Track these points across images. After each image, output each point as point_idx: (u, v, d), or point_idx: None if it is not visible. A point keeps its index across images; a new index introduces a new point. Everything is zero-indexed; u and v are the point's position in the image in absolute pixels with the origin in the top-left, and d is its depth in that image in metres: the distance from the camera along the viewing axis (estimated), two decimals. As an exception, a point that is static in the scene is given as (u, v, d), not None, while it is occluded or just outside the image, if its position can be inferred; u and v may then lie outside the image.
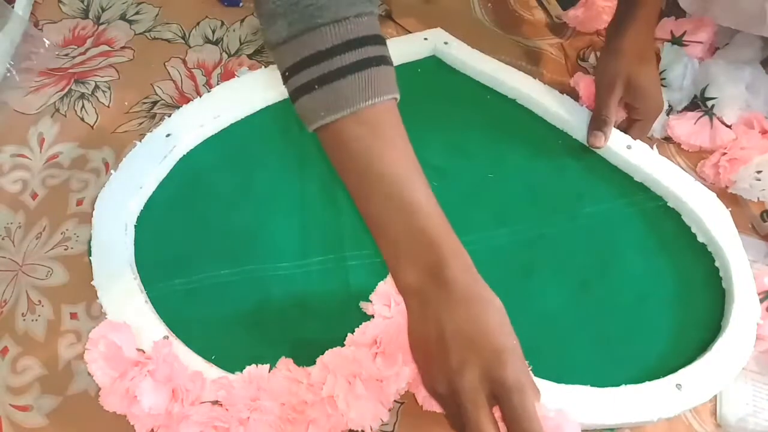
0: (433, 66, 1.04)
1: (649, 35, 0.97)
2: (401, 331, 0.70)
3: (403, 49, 1.03)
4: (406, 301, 0.69)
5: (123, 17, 1.08)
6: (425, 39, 1.04)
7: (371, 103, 0.66)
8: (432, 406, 0.72)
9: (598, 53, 1.06)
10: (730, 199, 0.93)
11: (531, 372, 0.63)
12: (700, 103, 1.00)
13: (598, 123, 0.94)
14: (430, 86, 1.00)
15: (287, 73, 0.67)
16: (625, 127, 0.96)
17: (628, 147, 0.93)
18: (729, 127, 0.98)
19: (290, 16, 0.64)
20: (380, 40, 0.68)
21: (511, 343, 0.63)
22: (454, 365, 0.61)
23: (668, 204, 0.91)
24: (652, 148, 0.93)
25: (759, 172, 0.91)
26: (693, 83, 1.02)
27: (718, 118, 0.98)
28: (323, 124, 0.66)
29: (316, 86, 0.65)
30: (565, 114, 0.96)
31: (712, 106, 0.99)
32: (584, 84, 1.00)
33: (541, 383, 0.72)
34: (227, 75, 1.02)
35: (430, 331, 0.65)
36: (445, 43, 1.03)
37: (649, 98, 0.93)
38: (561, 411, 0.71)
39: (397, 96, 0.69)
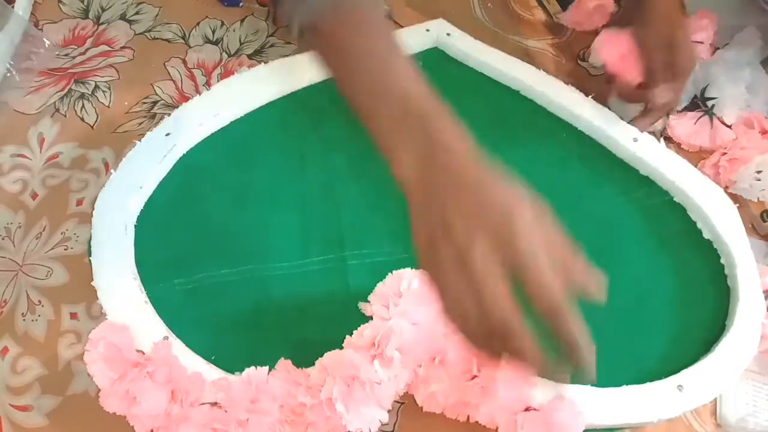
0: (436, 57, 1.04)
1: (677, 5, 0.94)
2: (398, 332, 0.70)
3: (405, 40, 1.02)
4: (405, 194, 0.61)
5: (123, 17, 1.08)
6: (427, 30, 1.04)
7: (356, 3, 0.64)
8: (432, 407, 0.73)
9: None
10: (730, 199, 0.93)
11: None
12: (700, 103, 1.00)
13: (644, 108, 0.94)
14: (433, 78, 0.99)
15: None
16: (654, 92, 0.92)
17: (635, 140, 0.92)
18: (729, 127, 0.98)
19: None
20: None
21: (520, 207, 0.56)
22: (461, 239, 0.55)
23: (674, 199, 0.90)
24: (658, 141, 0.93)
25: (759, 172, 0.91)
26: (693, 83, 1.01)
27: (718, 118, 0.98)
28: (313, 19, 0.64)
29: None
30: (570, 105, 0.96)
31: (712, 106, 0.99)
32: (608, 44, 0.97)
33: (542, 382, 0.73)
34: (227, 75, 1.02)
35: (432, 219, 0.58)
36: (448, 34, 1.03)
37: (685, 51, 0.91)
38: (569, 401, 0.71)
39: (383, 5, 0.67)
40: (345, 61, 0.64)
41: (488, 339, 0.55)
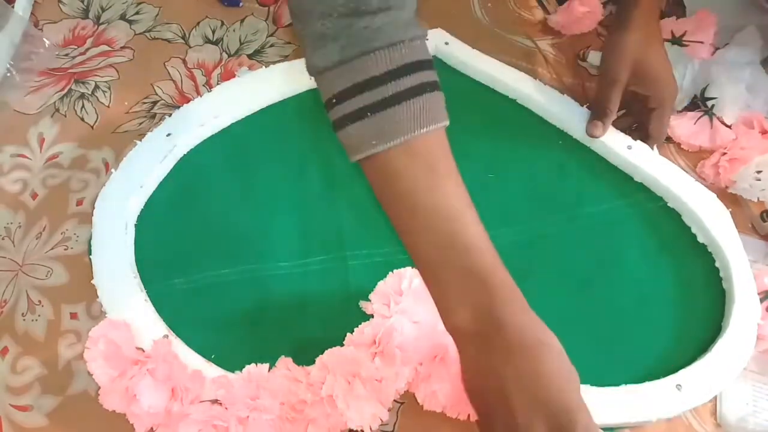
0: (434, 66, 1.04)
1: (652, 19, 0.95)
2: (399, 330, 0.70)
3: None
4: (457, 344, 0.65)
5: (123, 17, 1.08)
6: (426, 39, 1.04)
7: (425, 131, 0.63)
8: (433, 405, 0.72)
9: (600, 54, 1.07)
10: (730, 199, 0.93)
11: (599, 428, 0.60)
12: (700, 103, 1.00)
13: (597, 113, 0.93)
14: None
15: (335, 100, 0.64)
16: (644, 120, 0.94)
17: (629, 147, 0.93)
18: (729, 127, 0.97)
19: (343, 39, 0.61)
20: (432, 65, 0.66)
21: (578, 400, 0.60)
22: (520, 421, 0.58)
23: (668, 204, 0.91)
24: (652, 148, 0.93)
25: (759, 172, 0.91)
26: (693, 83, 1.01)
27: (718, 118, 0.98)
28: (372, 154, 0.64)
29: (369, 113, 0.62)
30: (565, 114, 0.96)
31: (712, 106, 0.99)
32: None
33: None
34: (227, 75, 1.02)
35: (488, 381, 0.62)
36: (446, 43, 1.03)
37: (659, 82, 0.92)
38: None
39: (447, 123, 0.66)
40: (407, 195, 0.64)
41: None
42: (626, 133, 0.94)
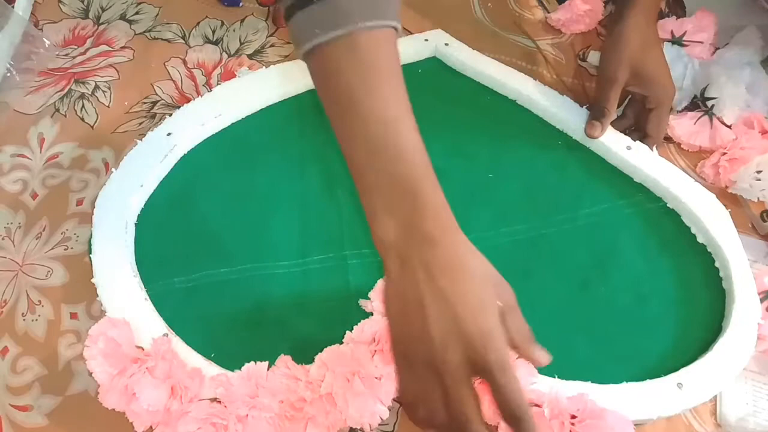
0: (434, 67, 1.04)
1: (650, 20, 0.96)
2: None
3: (404, 50, 1.00)
4: (382, 255, 0.62)
5: (123, 17, 1.08)
6: (426, 40, 1.04)
7: (371, 25, 0.60)
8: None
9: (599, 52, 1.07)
10: (730, 199, 0.93)
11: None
12: (700, 103, 1.00)
13: (596, 113, 0.93)
14: (431, 87, 1.00)
15: None
16: (642, 121, 0.95)
17: (628, 148, 0.93)
18: (729, 127, 0.98)
19: None
20: None
21: (493, 322, 0.59)
22: (436, 342, 0.58)
23: (668, 205, 0.91)
24: (651, 149, 0.93)
25: (759, 172, 0.91)
26: (693, 83, 1.02)
27: (717, 118, 0.98)
28: (314, 45, 0.60)
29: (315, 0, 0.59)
30: (565, 115, 0.96)
31: (712, 106, 0.99)
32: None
33: (544, 380, 0.73)
34: (227, 75, 1.02)
35: (408, 295, 0.60)
36: (446, 44, 1.03)
37: (657, 83, 0.92)
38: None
39: (398, 26, 0.64)
40: (345, 96, 0.61)
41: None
42: (625, 134, 0.95)
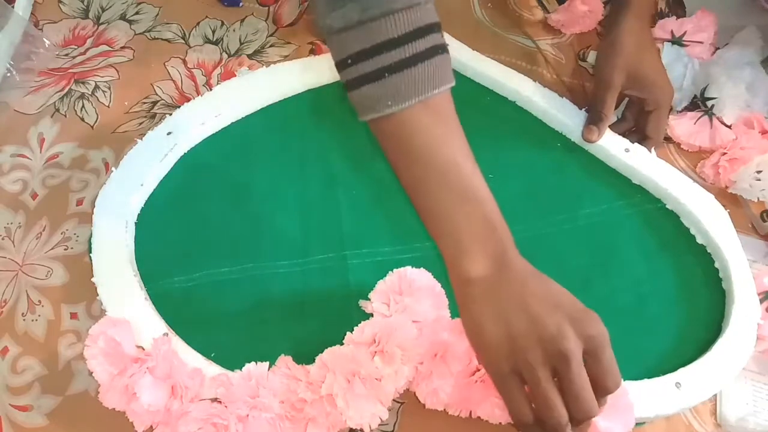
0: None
1: (644, 24, 0.96)
2: (399, 328, 0.70)
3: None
4: (466, 292, 0.68)
5: (123, 17, 1.08)
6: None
7: (438, 92, 0.66)
8: (434, 403, 0.72)
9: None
10: (730, 199, 0.93)
11: None
12: (700, 103, 1.00)
13: (593, 117, 0.93)
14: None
15: (350, 60, 0.66)
16: (642, 123, 0.95)
17: (626, 150, 0.93)
18: (729, 127, 0.97)
19: (364, 1, 0.63)
20: (440, 28, 0.68)
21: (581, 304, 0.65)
22: (551, 328, 0.62)
23: (667, 206, 0.91)
24: (650, 151, 0.93)
25: (759, 172, 0.91)
26: (693, 83, 1.01)
27: (717, 118, 0.98)
28: (386, 114, 0.66)
29: (387, 74, 0.64)
30: (564, 117, 0.96)
31: (712, 106, 0.99)
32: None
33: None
34: (227, 75, 1.02)
35: (509, 310, 0.65)
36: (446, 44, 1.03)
37: (654, 86, 0.93)
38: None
39: (454, 83, 0.69)
40: (420, 153, 0.68)
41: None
42: (624, 136, 0.95)
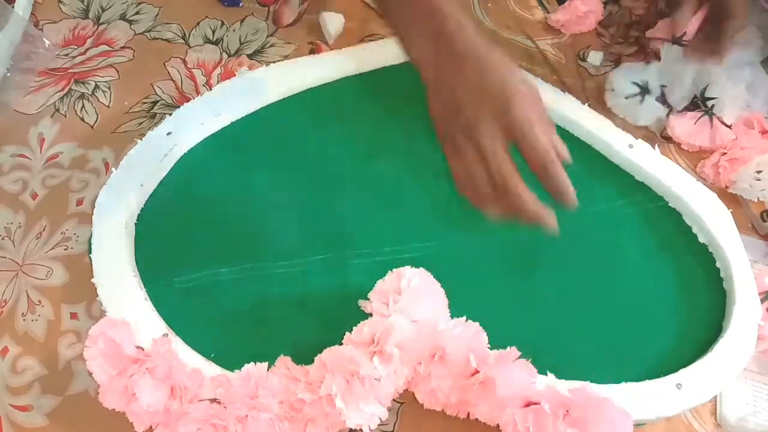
0: None
1: None
2: (398, 329, 0.70)
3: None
4: (422, 76, 0.71)
5: (123, 17, 1.08)
6: None
7: None
8: (432, 404, 0.72)
9: (600, 54, 1.07)
10: (730, 199, 0.93)
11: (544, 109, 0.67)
12: (700, 103, 1.00)
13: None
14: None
15: None
16: (716, 37, 0.91)
17: (630, 146, 0.92)
18: (729, 127, 0.97)
19: None
20: None
21: (519, 87, 0.65)
22: (470, 118, 0.65)
23: (669, 204, 0.91)
24: (654, 147, 0.93)
25: (759, 172, 0.91)
26: (693, 83, 1.01)
27: (718, 118, 0.98)
28: None
29: None
30: (567, 112, 0.96)
31: (712, 106, 0.99)
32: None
33: (544, 380, 0.73)
34: (227, 75, 1.02)
35: (444, 95, 0.68)
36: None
37: None
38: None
39: None
40: None
41: (494, 196, 0.66)
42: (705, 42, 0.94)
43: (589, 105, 0.96)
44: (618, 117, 0.99)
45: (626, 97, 0.99)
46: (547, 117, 0.67)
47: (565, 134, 0.96)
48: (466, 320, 0.74)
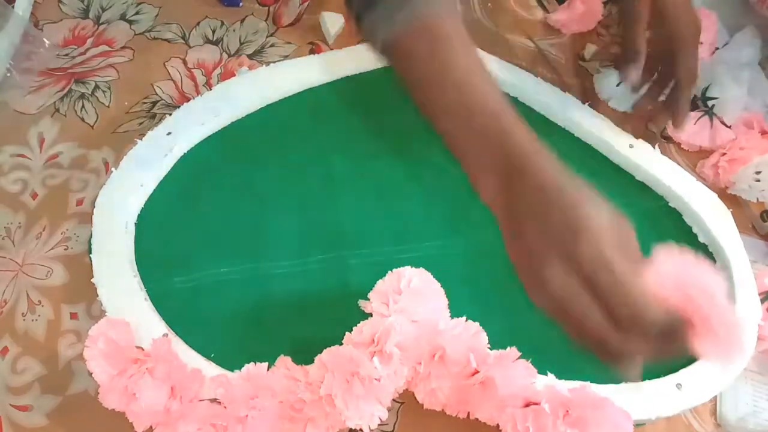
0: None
1: None
2: (398, 329, 0.70)
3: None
4: (496, 216, 0.66)
5: (123, 17, 1.08)
6: None
7: (439, 10, 0.67)
8: (432, 404, 0.72)
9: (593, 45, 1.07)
10: (730, 199, 0.93)
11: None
12: (700, 103, 1.00)
13: (628, 55, 0.92)
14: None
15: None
16: (672, 70, 0.91)
17: (630, 146, 0.93)
18: (729, 127, 0.97)
19: None
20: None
21: (587, 213, 0.61)
22: (543, 274, 0.58)
23: (669, 204, 0.91)
24: (654, 147, 0.93)
25: (758, 172, 0.91)
26: (692, 83, 1.02)
27: (718, 119, 0.98)
28: (390, 37, 0.67)
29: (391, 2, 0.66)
30: (567, 112, 0.96)
31: (713, 106, 0.99)
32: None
33: (543, 379, 0.73)
34: (227, 75, 1.02)
35: (512, 231, 0.63)
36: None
37: (680, 20, 0.89)
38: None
39: (458, 7, 0.72)
40: (424, 74, 0.67)
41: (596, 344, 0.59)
42: (656, 105, 0.94)
43: (589, 104, 0.96)
44: (617, 110, 1.00)
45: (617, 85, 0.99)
46: (635, 253, 0.62)
47: (565, 134, 0.96)
48: (466, 320, 0.74)
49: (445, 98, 0.66)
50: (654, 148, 0.93)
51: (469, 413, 0.72)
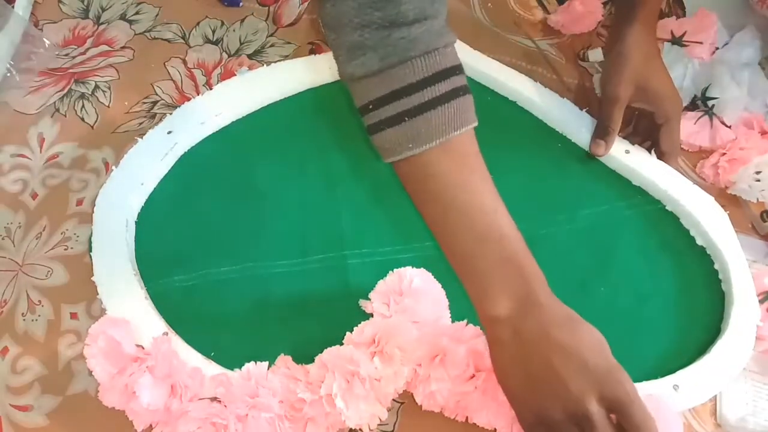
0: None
1: (650, 34, 0.95)
2: (399, 329, 0.70)
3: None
4: (492, 332, 0.69)
5: (123, 17, 1.08)
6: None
7: (458, 133, 0.67)
8: (431, 406, 0.72)
9: (599, 51, 1.06)
10: (730, 199, 0.93)
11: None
12: (700, 103, 1.00)
13: (600, 132, 0.93)
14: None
15: (371, 106, 0.68)
16: (655, 137, 0.93)
17: (627, 152, 0.93)
18: (729, 127, 0.97)
19: (382, 49, 0.65)
20: (462, 69, 0.70)
21: (615, 362, 0.63)
22: (575, 394, 0.62)
23: (666, 207, 0.91)
24: (650, 152, 0.93)
25: (758, 172, 0.91)
26: (693, 83, 1.01)
27: (718, 119, 0.98)
28: (407, 157, 0.68)
29: (406, 118, 0.66)
30: (565, 118, 0.96)
31: (713, 106, 0.99)
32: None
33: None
34: (227, 75, 1.01)
35: (532, 360, 0.65)
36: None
37: (663, 98, 0.91)
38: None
39: (476, 123, 0.70)
40: (443, 194, 0.69)
41: None
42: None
43: (587, 111, 0.96)
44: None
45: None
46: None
47: (561, 139, 0.96)
48: (467, 323, 0.74)
49: (472, 222, 0.68)
50: (650, 153, 0.93)
51: (467, 417, 0.72)
